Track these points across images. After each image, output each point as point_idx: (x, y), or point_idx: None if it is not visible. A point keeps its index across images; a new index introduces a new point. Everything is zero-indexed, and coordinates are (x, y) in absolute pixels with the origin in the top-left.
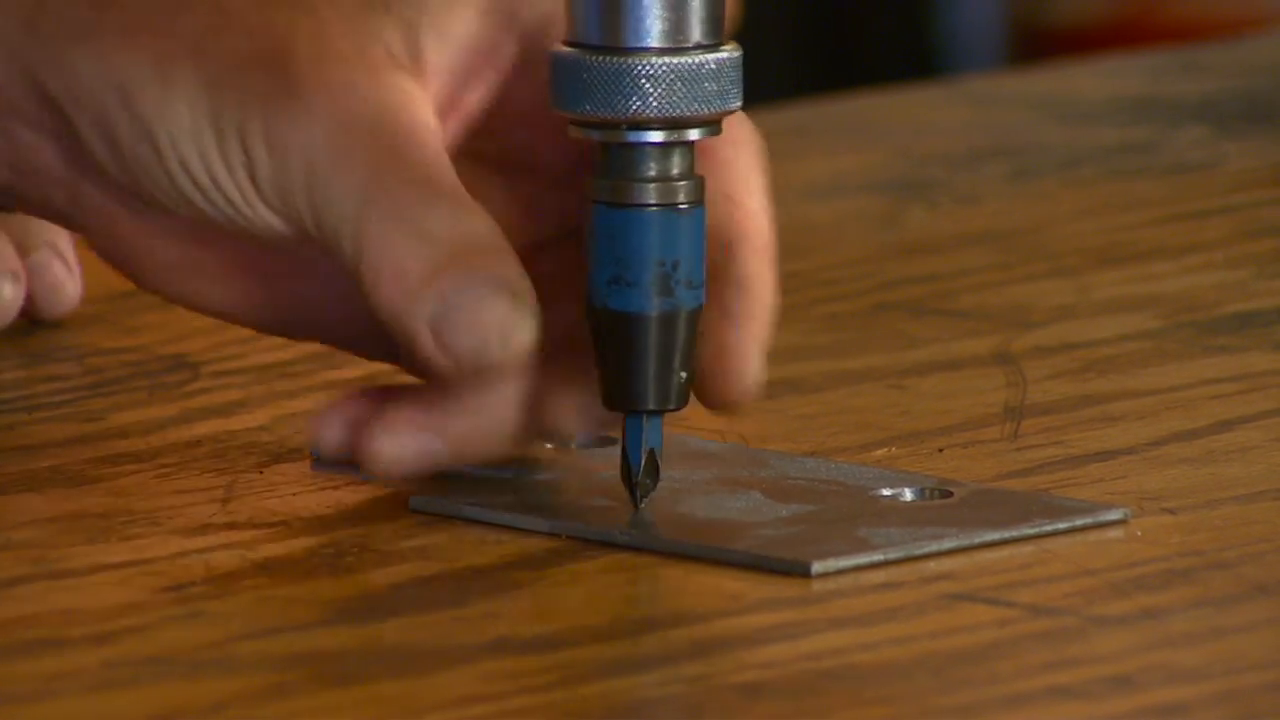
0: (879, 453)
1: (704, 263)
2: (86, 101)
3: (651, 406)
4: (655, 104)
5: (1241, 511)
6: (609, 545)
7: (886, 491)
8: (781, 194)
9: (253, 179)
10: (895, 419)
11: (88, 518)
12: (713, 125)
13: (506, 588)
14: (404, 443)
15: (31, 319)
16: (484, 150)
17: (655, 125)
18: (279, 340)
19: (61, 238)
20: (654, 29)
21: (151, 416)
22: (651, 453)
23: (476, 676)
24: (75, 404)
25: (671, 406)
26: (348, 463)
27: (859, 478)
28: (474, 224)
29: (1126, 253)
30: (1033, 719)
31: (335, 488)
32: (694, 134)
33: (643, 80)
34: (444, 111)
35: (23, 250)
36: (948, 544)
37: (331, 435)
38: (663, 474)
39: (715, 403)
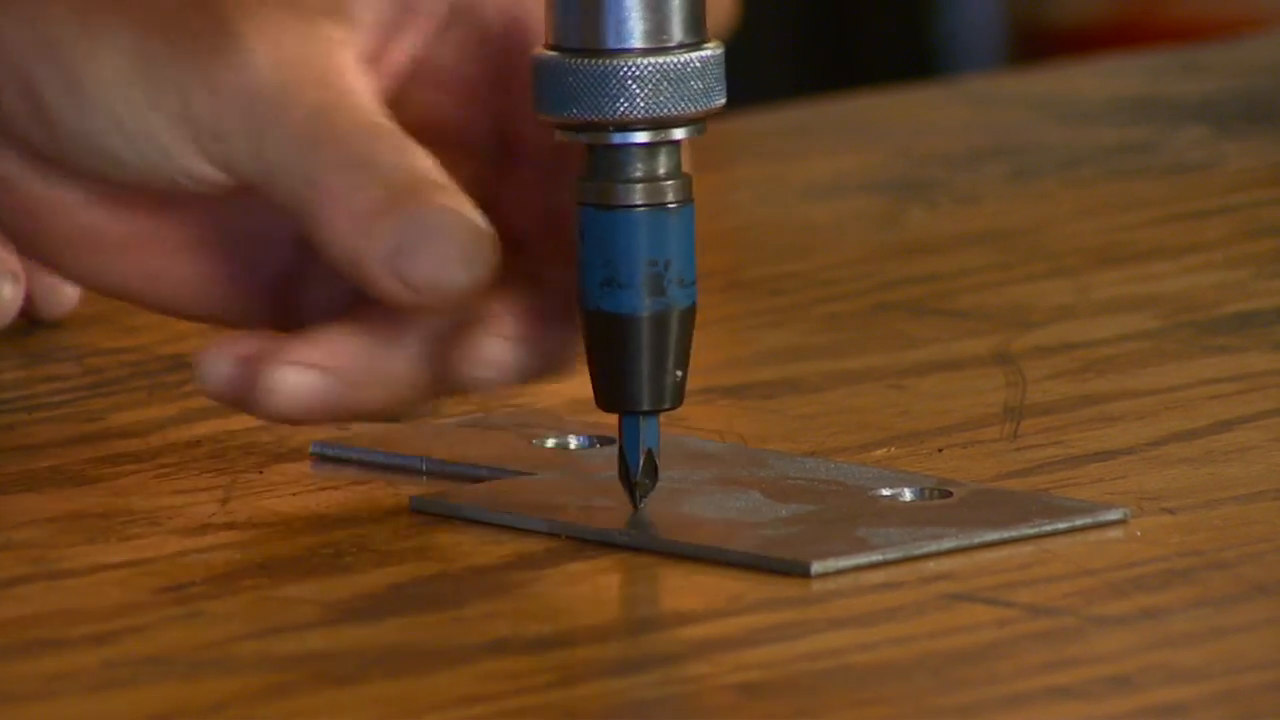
0: (879, 453)
1: (694, 261)
2: (10, 63)
3: (648, 407)
4: (643, 104)
5: (1241, 511)
6: (608, 545)
7: (886, 491)
8: (781, 194)
9: (189, 126)
10: (895, 419)
11: (88, 518)
12: (698, 124)
13: (506, 588)
14: (300, 380)
15: (31, 319)
16: (402, 115)
17: (642, 126)
18: None
19: None
20: (637, 30)
21: (151, 416)
22: (650, 453)
23: (476, 676)
24: (75, 404)
25: (667, 406)
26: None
27: (858, 478)
28: (421, 159)
29: (1126, 253)
30: (1032, 719)
31: (335, 488)
32: (679, 133)
33: (629, 81)
34: (369, 63)
35: None
36: (947, 544)
37: (220, 369)
38: (662, 474)
39: None
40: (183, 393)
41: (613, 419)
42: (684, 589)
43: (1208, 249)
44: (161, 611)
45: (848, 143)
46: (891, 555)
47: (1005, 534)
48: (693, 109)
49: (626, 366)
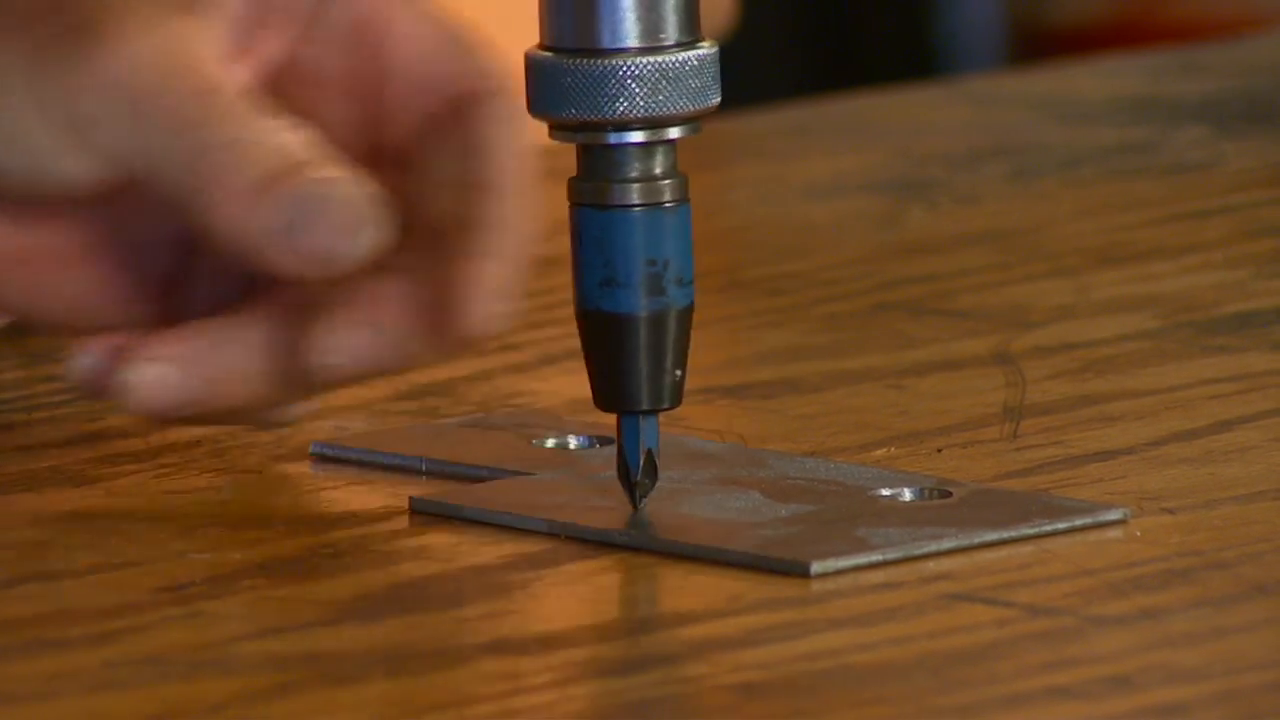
0: (878, 453)
1: (692, 260)
2: None
3: (647, 406)
4: (642, 104)
5: (1241, 511)
6: (608, 545)
7: (885, 491)
8: (781, 194)
9: (69, 125)
10: (894, 419)
11: (88, 518)
12: (694, 123)
13: (506, 588)
14: (156, 374)
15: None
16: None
17: (641, 125)
18: None
19: None
20: (634, 29)
21: None
22: (649, 452)
23: (476, 676)
24: (75, 404)
25: (666, 406)
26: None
27: (858, 478)
28: (302, 134)
29: (1126, 253)
30: (1032, 719)
31: (335, 488)
32: (675, 132)
33: (629, 81)
34: (234, 59)
35: None
36: (947, 544)
37: (87, 361)
38: (661, 474)
39: (453, 342)
40: None
41: (612, 419)
42: (683, 589)
43: (1207, 249)
44: (161, 611)
45: (848, 143)
46: (891, 555)
47: (1005, 534)
48: (691, 108)
49: (625, 366)
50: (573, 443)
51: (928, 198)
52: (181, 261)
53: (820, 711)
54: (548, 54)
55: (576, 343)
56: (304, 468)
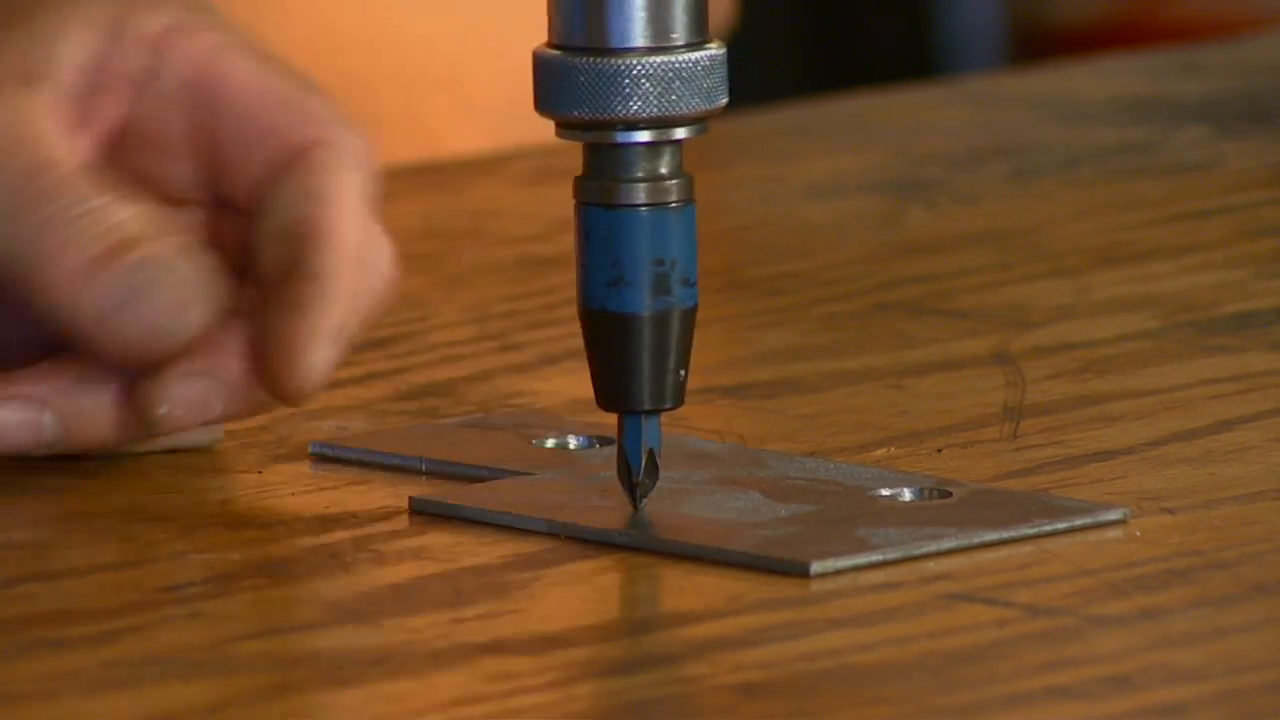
0: (878, 453)
1: (696, 261)
2: None
3: (649, 406)
4: (656, 103)
5: (1240, 511)
6: (608, 545)
7: (885, 492)
8: (781, 194)
9: None
10: (894, 419)
11: (88, 518)
12: (702, 123)
13: (506, 588)
14: (13, 413)
15: None
16: (118, 179)
17: (651, 125)
18: None
19: None
20: (646, 28)
21: None
22: (651, 452)
23: (476, 676)
24: None
25: (668, 406)
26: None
27: (858, 478)
28: (131, 213)
29: (1126, 253)
30: (1032, 719)
31: (335, 488)
32: (682, 132)
33: (642, 80)
34: (74, 129)
35: None
36: (947, 544)
37: None
38: (661, 474)
39: (278, 392)
40: None
41: (611, 419)
42: (683, 589)
43: (1207, 249)
44: (161, 611)
45: (848, 143)
46: (891, 555)
47: (1005, 534)
48: (703, 108)
49: (629, 366)
50: (573, 443)
51: (927, 198)
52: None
53: (820, 711)
54: (557, 52)
55: (577, 343)
56: (304, 468)
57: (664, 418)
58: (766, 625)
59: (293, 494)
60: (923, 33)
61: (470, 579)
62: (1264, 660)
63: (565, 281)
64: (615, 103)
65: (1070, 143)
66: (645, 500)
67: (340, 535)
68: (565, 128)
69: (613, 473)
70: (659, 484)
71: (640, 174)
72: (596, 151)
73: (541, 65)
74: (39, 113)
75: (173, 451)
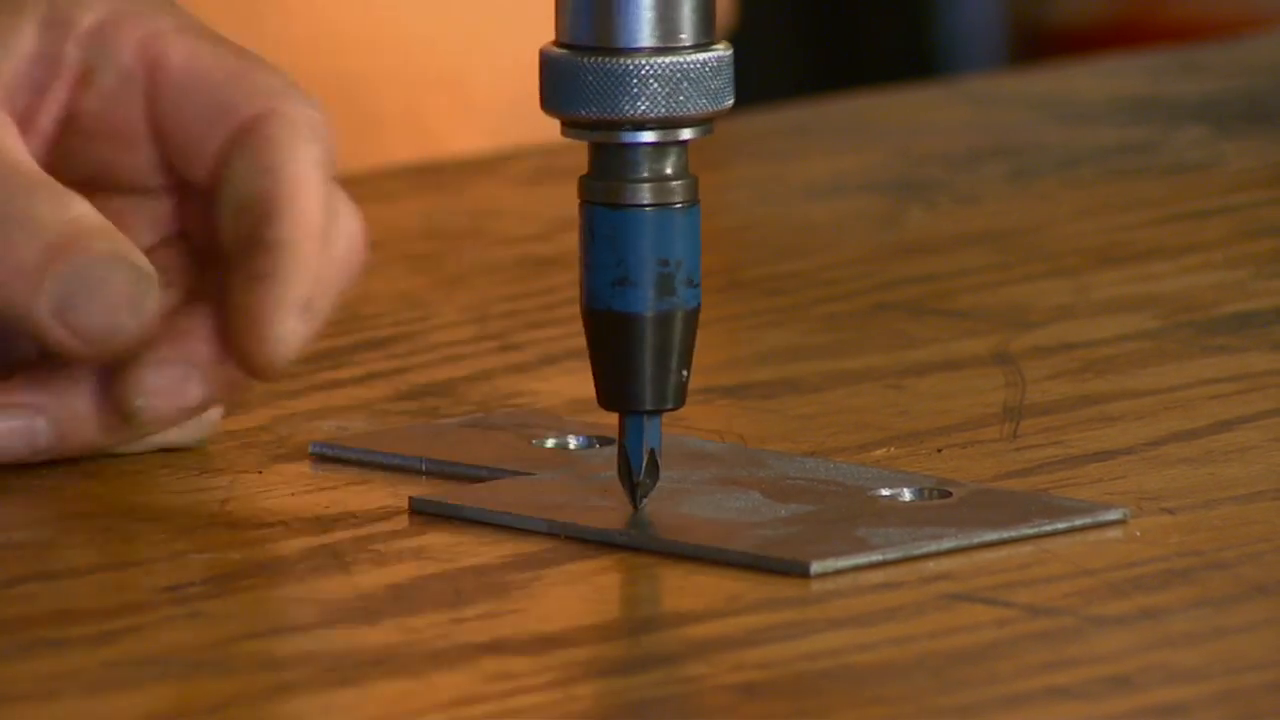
0: (878, 453)
1: (700, 262)
2: None
3: (651, 406)
4: (664, 103)
5: (1240, 511)
6: (608, 545)
7: (885, 492)
8: (781, 194)
9: None
10: (894, 419)
11: (88, 518)
12: (708, 123)
13: (506, 588)
14: (4, 421)
15: None
16: (65, 173)
17: (659, 125)
18: None
19: None
20: (654, 28)
21: None
22: (652, 452)
23: (476, 676)
24: None
25: (670, 406)
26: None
27: (858, 478)
28: (78, 207)
29: (1125, 253)
30: (1032, 719)
31: (335, 488)
32: (688, 132)
33: (651, 80)
34: (19, 123)
35: None
36: (946, 544)
37: None
38: (661, 474)
39: (249, 367)
40: None
41: (611, 418)
42: (684, 589)
43: (1207, 249)
44: (161, 611)
45: (848, 143)
46: (891, 555)
47: (1005, 534)
48: (709, 108)
49: (632, 366)
50: (573, 443)
51: (927, 198)
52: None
53: (820, 711)
54: (564, 51)
55: (577, 342)
56: (304, 468)
57: (664, 418)
58: (766, 625)
59: (293, 494)
60: (923, 33)
61: (470, 579)
62: (1264, 660)
63: (565, 281)
64: (623, 103)
65: (1070, 143)
66: (645, 500)
67: (340, 535)
68: (571, 127)
69: (613, 473)
70: (659, 484)
71: (646, 174)
72: (603, 151)
73: (548, 64)
74: None
75: (165, 451)
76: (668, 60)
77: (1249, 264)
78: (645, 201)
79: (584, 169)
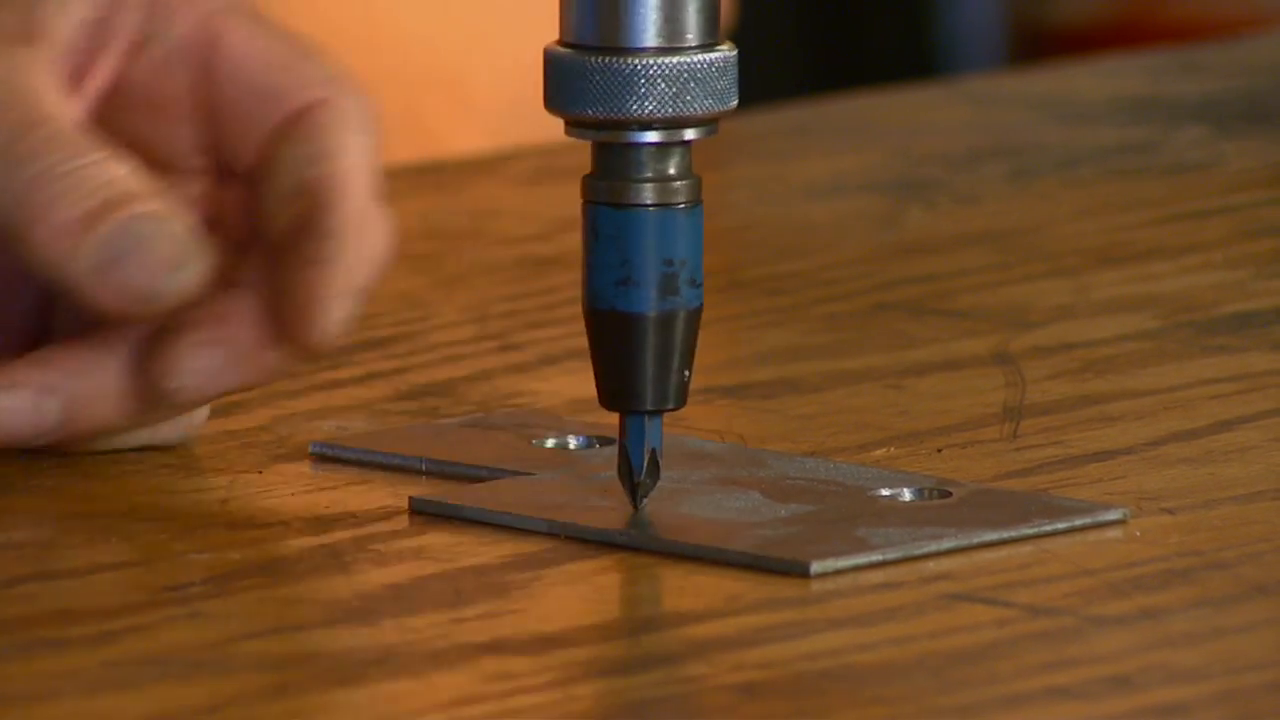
0: (878, 453)
1: (702, 262)
2: None
3: (652, 406)
4: (671, 103)
5: (1240, 511)
6: (608, 545)
7: (885, 492)
8: (781, 194)
9: None
10: (894, 419)
11: (88, 518)
12: (712, 124)
13: (505, 588)
14: (15, 400)
15: None
16: (108, 137)
17: (664, 125)
18: None
19: None
20: (661, 28)
21: None
22: (653, 452)
23: (476, 676)
24: None
25: (671, 406)
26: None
27: (858, 478)
28: (123, 169)
29: (1125, 253)
30: (1032, 719)
31: (335, 488)
32: (693, 132)
33: (658, 80)
34: (70, 86)
35: None
36: (946, 544)
37: None
38: (662, 474)
39: (299, 349)
40: None
41: (611, 418)
42: (684, 589)
43: (1207, 249)
44: (161, 611)
45: (848, 143)
46: (891, 555)
47: (1005, 534)
48: (715, 109)
49: (634, 366)
50: (573, 443)
51: (927, 198)
52: (44, 292)
53: (820, 711)
54: (569, 50)
55: (577, 342)
56: (304, 468)
57: (665, 418)
58: (766, 625)
59: (293, 494)
60: (923, 33)
61: (470, 579)
62: (1264, 660)
63: (565, 281)
64: (630, 102)
65: (1070, 143)
66: (645, 500)
67: (340, 535)
68: (576, 126)
69: (613, 473)
70: (659, 484)
71: (650, 174)
72: (607, 151)
73: (553, 63)
74: (35, 70)
75: (147, 450)
76: (675, 60)
77: (1249, 264)
78: (649, 201)
79: (584, 169)
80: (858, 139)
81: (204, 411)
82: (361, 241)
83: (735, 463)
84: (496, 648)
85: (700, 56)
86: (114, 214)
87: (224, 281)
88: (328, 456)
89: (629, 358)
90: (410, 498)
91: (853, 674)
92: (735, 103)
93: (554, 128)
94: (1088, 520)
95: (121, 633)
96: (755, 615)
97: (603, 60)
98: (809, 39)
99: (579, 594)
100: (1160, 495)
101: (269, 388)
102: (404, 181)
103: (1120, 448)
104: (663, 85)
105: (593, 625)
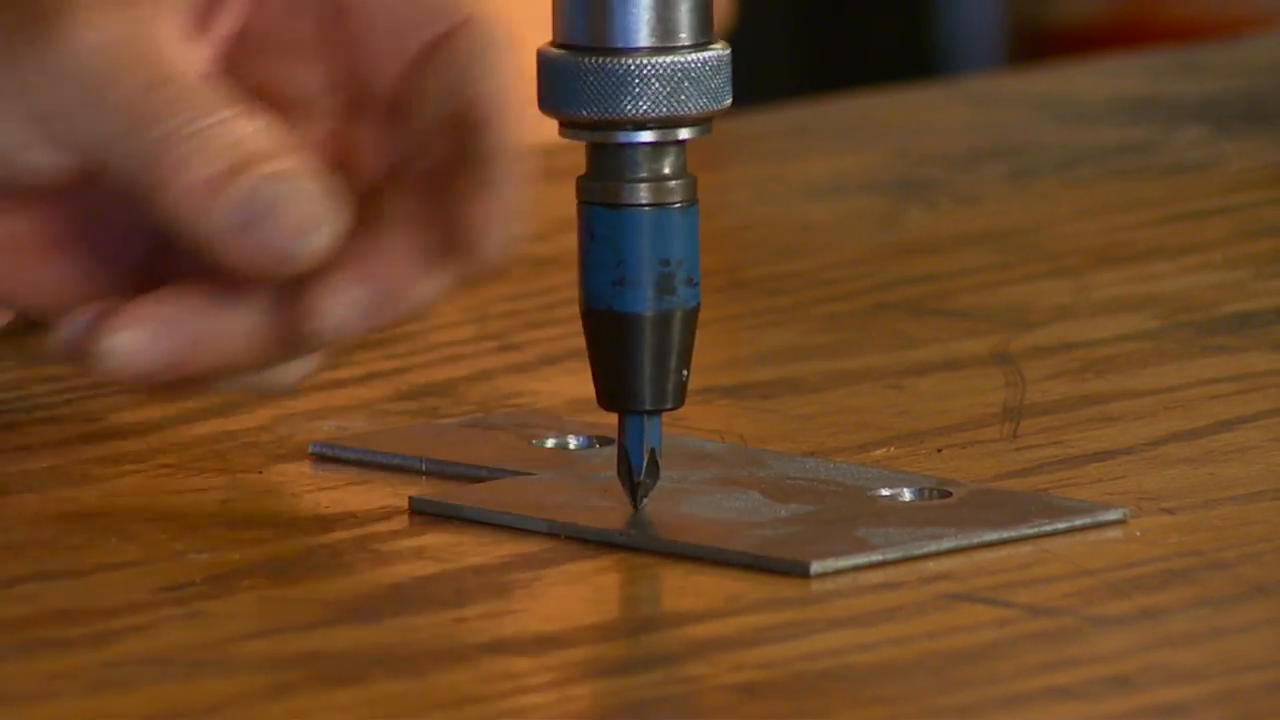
0: (878, 453)
1: (699, 261)
2: None
3: (651, 406)
4: (665, 103)
5: (1240, 511)
6: (608, 545)
7: (885, 492)
8: (781, 194)
9: (30, 115)
10: (894, 419)
11: (88, 518)
12: (707, 123)
13: (506, 588)
14: (134, 338)
15: (28, 320)
16: (238, 83)
17: (659, 124)
18: None
19: None
20: (654, 28)
21: (151, 416)
22: (652, 452)
23: (476, 676)
24: (75, 404)
25: (670, 406)
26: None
27: (858, 478)
28: (257, 126)
29: (1125, 253)
30: (1032, 719)
31: (335, 488)
32: (687, 132)
33: (653, 80)
34: (196, 35)
35: None
36: (946, 544)
37: (69, 329)
38: (661, 474)
39: (473, 273)
40: None
41: (611, 418)
42: (684, 589)
43: (1207, 249)
44: (161, 611)
45: (848, 143)
46: (891, 555)
47: (1005, 534)
48: (711, 107)
49: (631, 366)
50: (573, 443)
51: (927, 198)
52: (164, 238)
53: (820, 711)
54: (562, 51)
55: (577, 342)
56: (304, 468)
57: (664, 417)
58: (766, 625)
59: (293, 494)
60: (923, 33)
61: (470, 579)
62: (1264, 660)
63: (565, 281)
64: (625, 103)
65: (1070, 143)
66: (645, 500)
67: (340, 535)
68: (570, 127)
69: (613, 473)
70: (659, 483)
71: (645, 174)
72: (601, 151)
73: (546, 64)
74: (158, 25)
75: (151, 448)
76: (669, 60)
77: (1249, 264)
78: (644, 201)
79: (582, 169)
80: (858, 139)
81: (313, 360)
82: (515, 161)
83: (735, 463)
84: (496, 648)
85: (694, 55)
86: (245, 175)
87: (362, 219)
88: (328, 456)
89: (626, 358)
90: (410, 498)
91: (853, 674)
92: (729, 101)
93: (551, 127)
94: (1088, 520)
95: (121, 633)
96: (755, 615)
97: (597, 61)
98: (809, 39)
99: (579, 594)
100: (1160, 495)
101: None
102: None
103: (1120, 448)
104: (657, 85)
105: (593, 625)
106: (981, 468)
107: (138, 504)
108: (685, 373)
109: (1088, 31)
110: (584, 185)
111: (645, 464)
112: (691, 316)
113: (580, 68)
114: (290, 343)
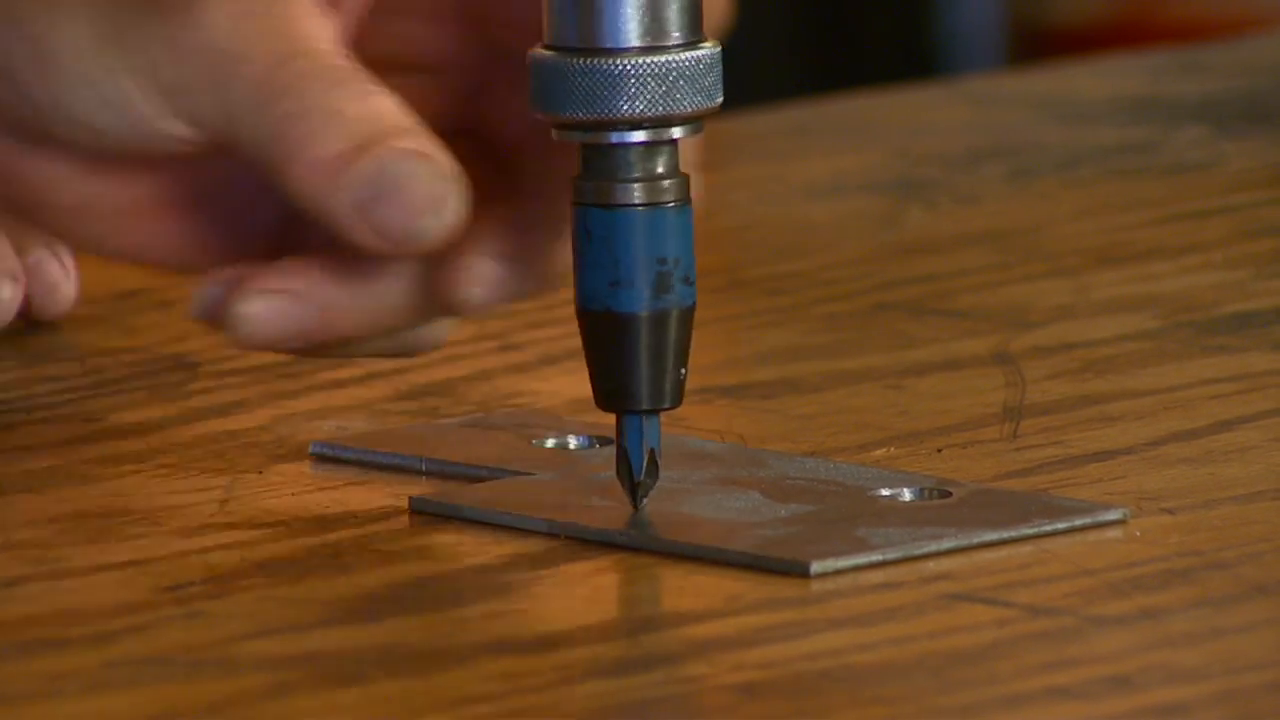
0: (878, 453)
1: (694, 259)
2: None
3: (649, 406)
4: (660, 102)
5: (1240, 511)
6: (608, 545)
7: (885, 492)
8: (781, 194)
9: (158, 87)
10: (894, 419)
11: (88, 518)
12: (699, 121)
13: (506, 588)
14: (266, 305)
15: (29, 320)
16: (368, 52)
17: (654, 124)
18: None
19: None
20: (645, 28)
21: (151, 416)
22: (651, 452)
23: (476, 676)
24: (75, 404)
25: (668, 405)
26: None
27: (858, 478)
28: (384, 103)
29: (1125, 253)
30: (1032, 719)
31: (335, 488)
32: (681, 130)
33: (648, 80)
34: (328, 4)
35: (20, 251)
36: (946, 544)
37: (207, 294)
38: (661, 473)
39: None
40: (183, 392)
41: (611, 419)
42: (683, 589)
43: (1207, 249)
44: (161, 611)
45: (848, 143)
46: (891, 555)
47: (1005, 534)
48: (704, 105)
49: (628, 365)
50: (573, 443)
51: (927, 198)
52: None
53: (821, 712)
54: (553, 53)
55: (577, 342)
56: (304, 468)
57: (664, 418)
58: (766, 625)
59: (293, 494)
60: (923, 33)
61: (470, 579)
62: (1264, 660)
63: (565, 281)
64: (619, 103)
65: (1070, 143)
66: (645, 500)
67: (340, 535)
68: (563, 129)
69: (613, 473)
70: (659, 483)
71: (638, 174)
72: (594, 152)
73: (539, 66)
74: None
75: (152, 449)
76: (662, 59)
77: (1249, 264)
78: (638, 201)
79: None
80: (858, 139)
81: (446, 327)
82: None
83: (735, 463)
84: (496, 648)
85: (686, 54)
86: (373, 151)
87: (499, 185)
88: (328, 456)
89: (623, 358)
90: (410, 498)
91: (853, 674)
92: (721, 99)
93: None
94: (1088, 520)
95: (121, 633)
96: (755, 615)
97: (590, 62)
98: (809, 39)
99: (579, 594)
100: (1160, 495)
101: (269, 387)
102: None
103: (1120, 448)
104: (652, 84)
105: (593, 625)
106: (981, 468)
107: (138, 504)
108: (683, 372)
109: (1088, 31)
110: (578, 186)
111: (645, 464)
112: (688, 315)
113: (573, 69)
114: (425, 313)
